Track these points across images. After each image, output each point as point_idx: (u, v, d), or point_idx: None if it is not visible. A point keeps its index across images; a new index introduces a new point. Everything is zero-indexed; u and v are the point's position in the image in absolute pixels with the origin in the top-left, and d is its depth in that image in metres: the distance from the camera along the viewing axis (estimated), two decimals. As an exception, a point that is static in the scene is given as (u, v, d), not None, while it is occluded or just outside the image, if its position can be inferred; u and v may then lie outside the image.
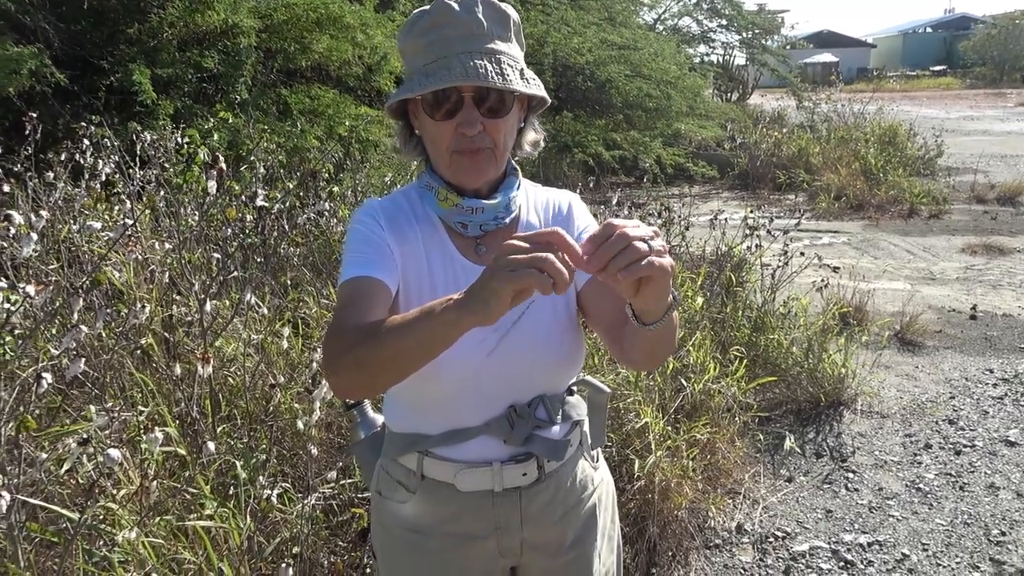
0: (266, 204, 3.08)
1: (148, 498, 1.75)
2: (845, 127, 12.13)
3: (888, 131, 11.58)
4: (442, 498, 1.17)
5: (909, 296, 5.27)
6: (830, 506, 2.91)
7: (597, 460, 1.32)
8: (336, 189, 4.06)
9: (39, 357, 2.02)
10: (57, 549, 1.67)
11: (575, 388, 1.25)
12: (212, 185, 2.30)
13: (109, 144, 3.52)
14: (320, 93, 5.55)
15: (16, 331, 1.92)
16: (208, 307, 2.22)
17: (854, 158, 10.10)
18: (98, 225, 2.00)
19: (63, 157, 3.36)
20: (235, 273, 2.94)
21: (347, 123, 5.20)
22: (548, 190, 1.27)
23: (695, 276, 3.79)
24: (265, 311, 2.83)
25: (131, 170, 3.43)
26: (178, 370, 2.23)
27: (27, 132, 3.23)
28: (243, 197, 3.09)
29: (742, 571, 2.55)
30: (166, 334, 2.54)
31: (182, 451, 2.00)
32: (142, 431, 1.61)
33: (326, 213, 3.84)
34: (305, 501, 2.04)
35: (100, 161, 3.38)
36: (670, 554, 2.55)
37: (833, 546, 2.66)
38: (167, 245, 2.82)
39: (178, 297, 2.68)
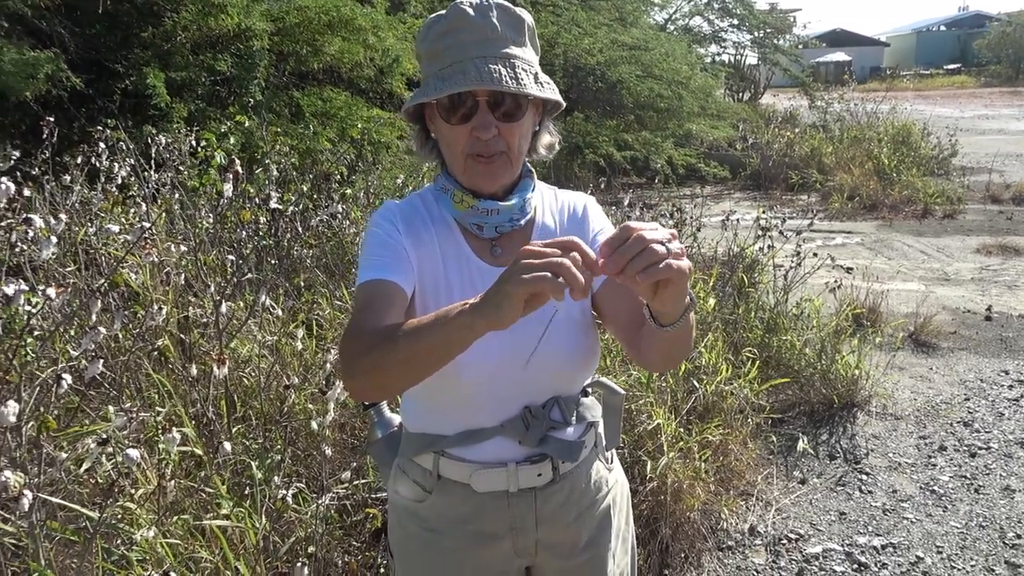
0: (280, 206, 3.11)
1: (165, 498, 1.77)
2: (858, 127, 12.06)
3: (902, 130, 11.50)
4: (458, 498, 1.18)
5: (923, 297, 5.23)
6: (844, 508, 2.90)
7: (612, 461, 1.32)
8: (348, 191, 4.08)
9: (58, 358, 2.04)
10: (76, 548, 1.69)
11: (590, 390, 1.26)
12: (228, 188, 2.32)
13: (124, 147, 3.56)
14: (332, 95, 5.58)
15: (35, 333, 1.94)
16: (223, 308, 2.24)
17: (867, 158, 10.04)
18: (116, 228, 2.02)
19: (79, 160, 3.40)
20: (249, 275, 2.97)
21: (359, 125, 5.23)
22: (563, 192, 1.28)
23: (707, 277, 3.78)
24: (279, 312, 2.85)
25: (146, 173, 3.47)
26: (194, 371, 2.25)
27: (44, 136, 3.27)
28: (257, 199, 3.11)
29: (755, 573, 2.55)
30: (182, 335, 2.56)
31: (199, 451, 2.02)
32: (160, 431, 1.63)
33: (339, 215, 3.86)
34: (319, 501, 2.05)
35: (116, 164, 3.42)
36: (682, 556, 2.55)
37: (847, 548, 2.65)
38: (183, 247, 2.84)
39: (193, 299, 2.71)
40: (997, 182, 9.55)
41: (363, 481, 2.34)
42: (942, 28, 59.37)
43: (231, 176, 2.49)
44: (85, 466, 1.67)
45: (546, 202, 1.24)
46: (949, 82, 36.17)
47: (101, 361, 1.62)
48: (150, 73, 4.34)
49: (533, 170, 1.22)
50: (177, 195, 3.30)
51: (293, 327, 2.68)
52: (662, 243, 0.80)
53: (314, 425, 2.15)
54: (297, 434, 2.41)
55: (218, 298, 2.27)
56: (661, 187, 8.93)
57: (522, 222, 1.17)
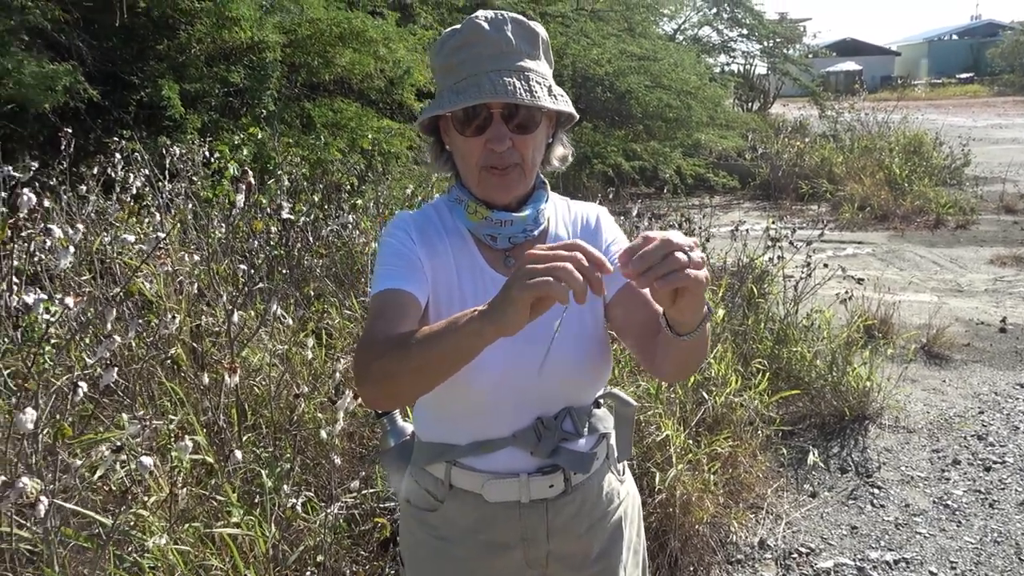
0: (291, 216, 3.14)
1: (177, 505, 1.79)
2: (869, 136, 12.02)
3: (913, 140, 11.44)
4: (469, 508, 1.18)
5: (936, 308, 5.20)
6: (855, 522, 2.88)
7: (623, 473, 1.32)
8: (359, 202, 4.11)
9: (73, 366, 2.07)
10: (89, 554, 1.71)
11: (602, 401, 1.26)
12: (240, 198, 2.35)
13: (139, 158, 3.61)
14: (343, 106, 5.63)
15: (52, 341, 1.97)
16: (235, 317, 2.26)
17: (878, 168, 10.00)
18: (132, 238, 2.05)
19: (95, 171, 3.45)
20: (261, 284, 2.99)
21: (369, 136, 5.27)
22: (576, 203, 1.29)
23: (716, 288, 3.78)
24: (290, 322, 2.87)
25: (160, 183, 3.51)
26: (206, 379, 2.27)
27: (62, 147, 3.32)
28: (269, 210, 3.15)
29: (765, 586, 2.53)
30: (194, 344, 2.58)
31: (210, 459, 2.04)
32: (173, 439, 1.65)
33: (349, 225, 3.89)
34: (328, 510, 2.06)
35: (131, 174, 3.46)
36: (691, 569, 2.54)
37: (859, 563, 2.63)
38: (196, 257, 2.87)
39: (206, 308, 2.74)
40: (1011, 192, 9.48)
41: (371, 491, 2.34)
42: (954, 37, 59.15)
43: (243, 187, 2.52)
44: (99, 473, 1.69)
45: (559, 213, 1.25)
46: (962, 91, 35.99)
47: (115, 369, 1.64)
48: (165, 85, 4.40)
49: (546, 181, 1.23)
50: (191, 205, 3.34)
51: (303, 336, 2.70)
52: (684, 251, 0.80)
53: (323, 434, 2.17)
54: (306, 443, 2.43)
55: (230, 307, 2.29)
56: (670, 197, 8.93)
57: (535, 233, 1.18)
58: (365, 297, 3.32)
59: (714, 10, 15.67)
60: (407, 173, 5.62)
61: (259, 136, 4.34)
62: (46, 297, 1.53)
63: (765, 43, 15.61)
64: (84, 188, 3.34)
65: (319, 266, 3.55)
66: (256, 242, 3.16)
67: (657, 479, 2.54)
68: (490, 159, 1.09)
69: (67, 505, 1.65)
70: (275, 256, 3.29)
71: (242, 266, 3.00)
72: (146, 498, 1.85)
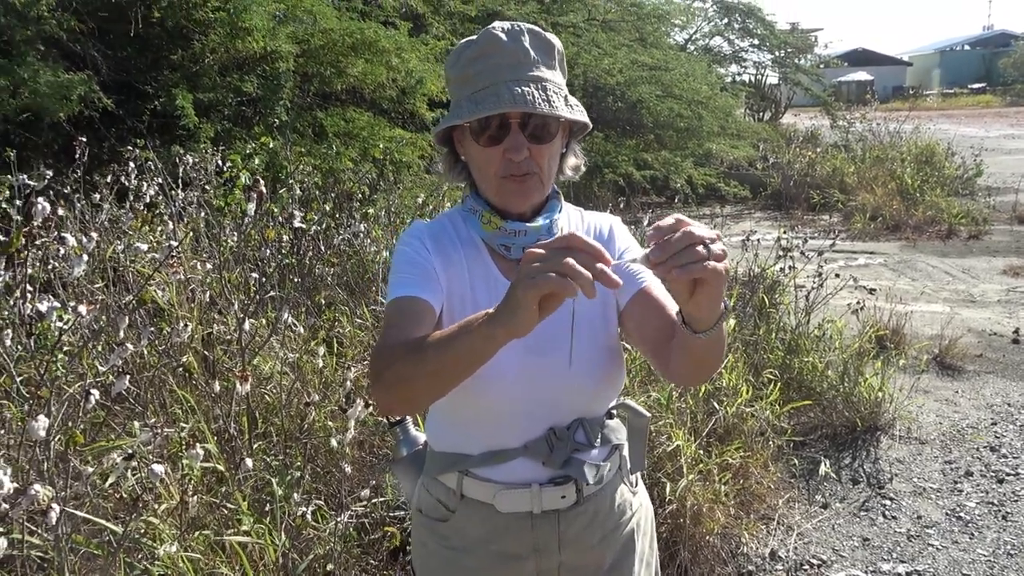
0: (303, 225, 3.15)
1: (187, 513, 1.79)
2: (880, 146, 11.97)
3: (925, 150, 11.39)
4: (481, 518, 1.18)
5: (948, 319, 5.15)
6: (867, 534, 2.85)
7: (636, 485, 1.31)
8: (370, 210, 4.13)
9: (85, 374, 2.08)
10: (99, 561, 1.71)
11: (615, 412, 1.25)
12: (252, 207, 2.37)
13: (152, 166, 3.64)
14: (355, 116, 5.67)
15: (65, 348, 1.98)
16: (246, 326, 2.27)
17: (890, 178, 9.95)
18: (145, 247, 2.07)
19: (109, 179, 3.48)
20: (272, 292, 3.01)
21: (381, 145, 5.30)
22: (589, 213, 1.30)
23: (728, 297, 3.75)
24: (301, 330, 2.88)
25: (173, 192, 3.54)
26: (217, 387, 2.28)
27: (76, 155, 3.35)
28: (281, 218, 3.16)
29: (776, 599, 2.51)
30: (206, 352, 2.60)
31: (220, 467, 2.04)
32: (184, 447, 1.65)
33: (360, 234, 3.90)
34: (338, 519, 2.06)
35: (144, 183, 3.49)
36: (702, 580, 2.52)
37: (870, 575, 2.60)
38: (208, 265, 2.89)
39: (218, 316, 2.75)
40: (1024, 203, 9.42)
41: (381, 499, 2.35)
42: (966, 47, 58.90)
43: (255, 195, 2.54)
44: (110, 480, 1.70)
45: (572, 223, 1.25)
46: (974, 101, 35.81)
47: (127, 377, 1.65)
48: (179, 94, 4.44)
49: (560, 192, 1.23)
50: (203, 214, 3.36)
51: (314, 345, 2.71)
52: (705, 242, 0.79)
53: (334, 443, 2.17)
54: (317, 451, 2.43)
55: (241, 315, 2.31)
56: (681, 206, 8.91)
57: None
58: (376, 306, 3.33)
59: (725, 20, 15.68)
60: (418, 182, 5.63)
61: (271, 145, 4.37)
62: (59, 305, 1.54)
63: (776, 53, 15.59)
64: (98, 196, 3.37)
65: (330, 275, 3.56)
66: (268, 251, 3.18)
67: (668, 489, 2.53)
68: (508, 168, 1.10)
69: (78, 512, 1.66)
70: (287, 265, 3.31)
71: (254, 274, 3.01)
72: (157, 506, 1.86)
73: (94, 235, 1.90)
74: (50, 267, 2.47)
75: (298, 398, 2.50)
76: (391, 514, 2.34)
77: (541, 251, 0.80)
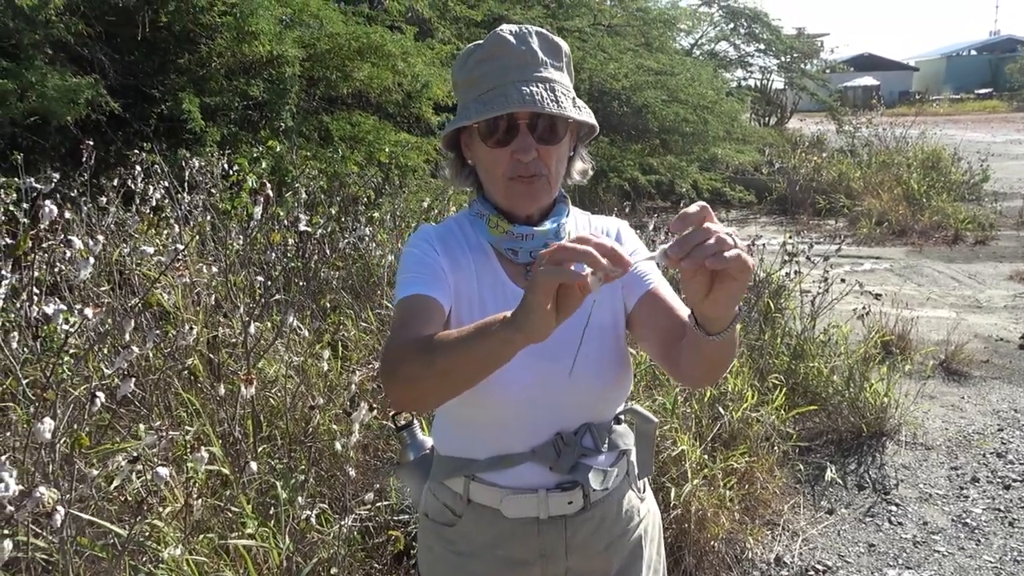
0: (308, 229, 3.16)
1: (192, 516, 1.79)
2: (887, 151, 11.95)
3: (931, 155, 11.36)
4: (488, 523, 1.17)
5: (954, 324, 5.13)
6: (873, 540, 2.83)
7: (644, 491, 1.30)
8: (375, 214, 4.14)
9: (91, 376, 2.09)
10: (104, 564, 1.72)
11: (623, 417, 1.25)
12: (258, 211, 2.38)
13: (159, 170, 3.65)
14: (361, 120, 5.68)
15: (71, 351, 1.99)
16: (252, 329, 2.28)
17: (896, 183, 9.93)
18: (151, 250, 2.07)
19: (115, 182, 3.49)
20: (277, 296, 3.01)
21: (387, 149, 5.31)
22: (597, 217, 1.29)
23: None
24: (306, 334, 2.89)
25: (179, 195, 3.56)
26: (222, 390, 2.28)
27: (83, 159, 3.37)
28: (286, 222, 3.17)
29: (781, 605, 2.50)
30: (211, 355, 2.60)
31: (225, 470, 2.04)
32: (189, 450, 1.66)
33: (366, 238, 3.91)
34: (342, 522, 2.06)
35: (150, 186, 3.50)
36: (707, 585, 2.51)
37: (876, 582, 2.59)
38: (213, 269, 2.90)
39: (223, 319, 2.76)
40: (1031, 208, 9.38)
41: (386, 503, 2.34)
42: (972, 52, 58.74)
43: (261, 199, 2.55)
44: (115, 483, 1.70)
45: (580, 227, 1.25)
46: (980, 107, 35.70)
47: (133, 380, 1.66)
48: (185, 98, 4.46)
49: (567, 196, 1.23)
50: (209, 217, 3.37)
51: (319, 348, 2.72)
52: (723, 236, 0.77)
53: (338, 446, 2.17)
54: (321, 455, 2.43)
55: (247, 319, 2.31)
56: (686, 211, 8.88)
57: None
58: (381, 309, 3.33)
59: (731, 25, 15.67)
60: (424, 186, 5.64)
61: (277, 149, 4.39)
62: (65, 308, 1.55)
63: (782, 58, 15.58)
64: (104, 200, 3.39)
65: (336, 278, 3.57)
66: (273, 254, 3.19)
67: (672, 494, 2.52)
68: (516, 169, 1.10)
69: (83, 515, 1.66)
70: (292, 268, 3.31)
71: (259, 278, 3.02)
72: (161, 509, 1.86)
73: (100, 238, 1.90)
74: (56, 270, 2.49)
75: (303, 401, 2.51)
76: (395, 518, 2.34)
77: (548, 252, 0.78)
